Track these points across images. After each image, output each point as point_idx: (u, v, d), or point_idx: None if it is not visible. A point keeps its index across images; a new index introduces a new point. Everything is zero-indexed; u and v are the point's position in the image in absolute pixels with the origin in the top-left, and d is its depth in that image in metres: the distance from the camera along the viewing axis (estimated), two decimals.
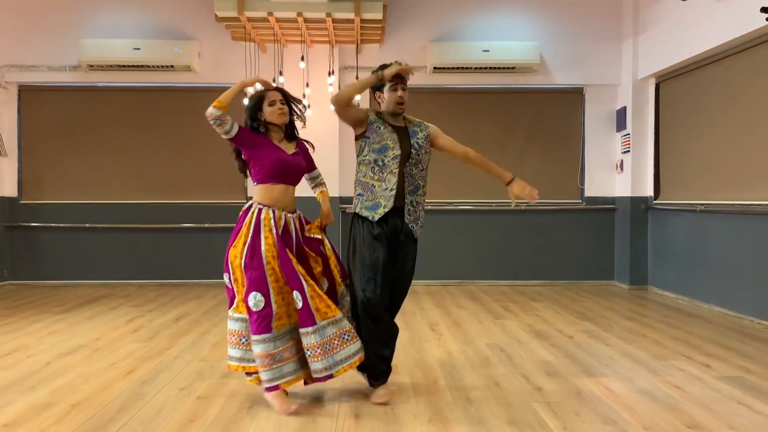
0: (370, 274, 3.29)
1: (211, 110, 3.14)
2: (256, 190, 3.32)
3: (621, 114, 7.73)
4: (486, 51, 7.40)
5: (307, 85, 7.12)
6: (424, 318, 5.76)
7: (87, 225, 7.75)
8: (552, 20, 7.75)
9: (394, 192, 3.33)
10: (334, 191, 7.49)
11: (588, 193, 7.95)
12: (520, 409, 3.27)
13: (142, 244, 7.74)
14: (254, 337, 3.17)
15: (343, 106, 3.31)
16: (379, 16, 6.43)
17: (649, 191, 7.51)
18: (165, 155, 7.59)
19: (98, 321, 5.62)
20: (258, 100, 3.35)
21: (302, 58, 6.98)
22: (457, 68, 7.55)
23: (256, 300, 3.14)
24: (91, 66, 7.49)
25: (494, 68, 7.58)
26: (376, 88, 3.41)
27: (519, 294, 7.13)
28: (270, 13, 6.30)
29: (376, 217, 3.32)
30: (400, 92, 3.37)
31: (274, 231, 3.19)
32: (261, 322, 3.14)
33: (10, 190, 7.82)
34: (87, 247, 7.78)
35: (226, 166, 7.84)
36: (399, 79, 3.36)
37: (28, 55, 7.64)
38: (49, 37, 7.62)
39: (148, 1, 7.60)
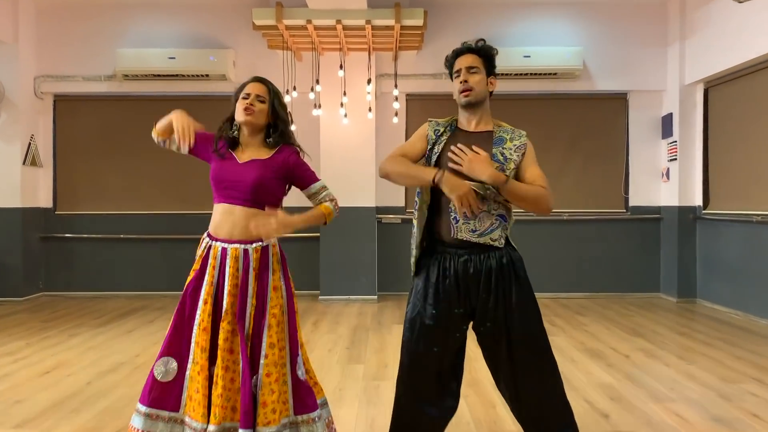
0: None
1: (152, 135, 2.76)
2: None
3: (667, 121, 7.47)
4: (527, 57, 7.19)
5: (345, 93, 6.98)
6: (470, 333, 5.57)
7: (122, 236, 7.68)
8: (595, 25, 7.52)
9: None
10: (369, 201, 7.34)
11: (633, 202, 7.70)
12: None
13: (176, 255, 7.65)
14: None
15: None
16: (420, 22, 6.27)
17: (698, 200, 7.24)
18: (200, 165, 7.42)
19: (137, 335, 5.52)
20: (237, 91, 2.71)
21: (340, 66, 6.85)
22: (497, 75, 7.31)
23: (167, 367, 2.52)
24: (126, 76, 7.43)
25: (535, 74, 7.37)
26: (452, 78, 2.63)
27: (563, 307, 6.90)
28: (309, 21, 6.18)
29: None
30: (463, 76, 2.52)
31: (215, 277, 2.53)
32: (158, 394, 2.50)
33: (45, 200, 7.78)
34: (121, 258, 7.72)
35: None
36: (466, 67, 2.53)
37: (64, 66, 7.61)
38: (85, 47, 7.59)
39: (184, 10, 7.54)
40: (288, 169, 2.61)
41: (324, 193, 2.66)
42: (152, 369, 2.50)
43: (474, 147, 2.41)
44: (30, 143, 7.47)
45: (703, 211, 7.16)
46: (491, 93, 2.58)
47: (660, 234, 7.65)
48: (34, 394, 3.83)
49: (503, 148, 2.47)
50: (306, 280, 7.56)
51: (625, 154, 7.73)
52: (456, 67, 2.56)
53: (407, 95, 7.62)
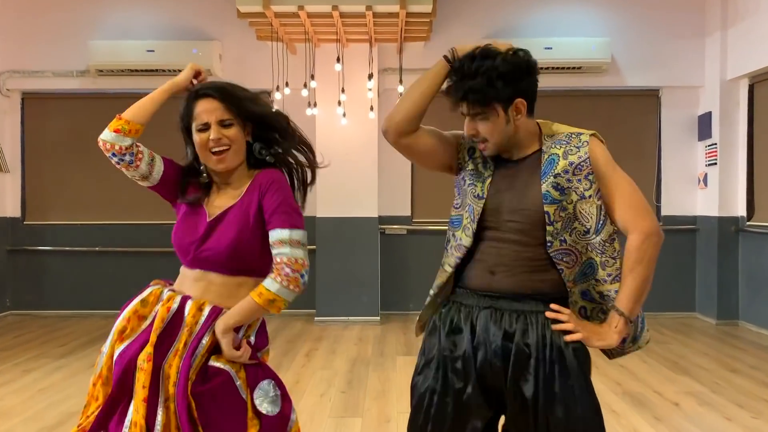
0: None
1: (108, 136, 1.86)
2: None
3: (704, 120, 6.73)
4: (548, 48, 6.50)
5: (343, 90, 6.24)
6: None
7: (97, 248, 7.01)
8: (624, 13, 6.83)
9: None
10: (372, 211, 6.63)
11: (665, 211, 7.01)
12: None
13: (158, 269, 6.88)
14: None
15: (403, 131, 1.85)
16: (428, 9, 5.52)
17: (741, 211, 6.51)
18: None
19: None
20: (186, 113, 1.89)
21: (338, 60, 6.11)
22: None
23: None
24: (101, 71, 6.76)
25: (558, 68, 6.67)
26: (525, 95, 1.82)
27: None
28: (301, 7, 5.43)
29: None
30: (469, 128, 1.85)
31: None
32: None
33: (12, 209, 7.11)
34: (98, 273, 7.03)
35: None
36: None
37: (32, 60, 6.94)
38: (55, 39, 6.92)
39: None
40: (259, 207, 1.83)
41: (283, 252, 1.77)
42: None
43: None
44: None
45: (747, 223, 6.43)
46: (531, 108, 1.80)
47: (696, 247, 6.96)
48: None
49: (555, 176, 1.73)
50: (300, 299, 6.69)
51: (657, 157, 7.05)
52: (462, 108, 1.80)
53: None
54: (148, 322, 1.81)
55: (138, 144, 1.86)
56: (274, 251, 1.78)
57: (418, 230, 6.96)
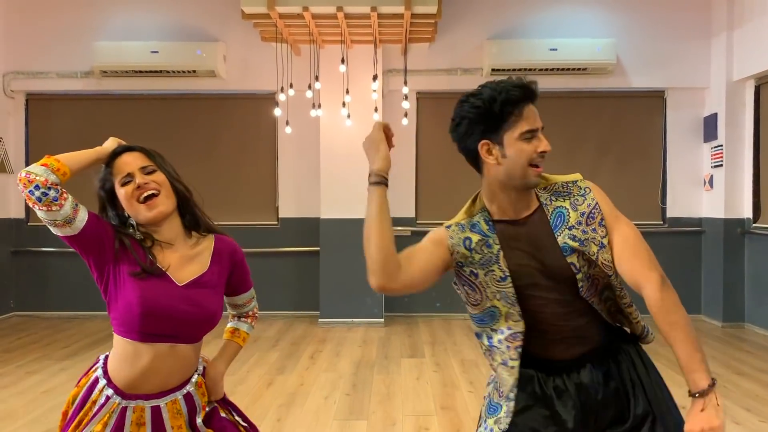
0: None
1: (35, 169, 1.63)
2: (113, 344, 1.78)
3: (710, 122, 6.69)
4: (553, 50, 6.47)
5: (347, 91, 6.21)
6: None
7: None
8: (630, 14, 6.80)
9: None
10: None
11: (670, 213, 6.97)
12: None
13: None
14: None
15: (392, 275, 1.63)
16: (433, 10, 5.49)
17: (747, 212, 6.47)
18: (187, 170, 6.63)
19: None
20: (106, 175, 1.80)
21: (342, 61, 6.08)
22: (519, 69, 6.59)
23: None
24: (105, 72, 6.75)
25: (563, 69, 6.63)
26: (487, 135, 1.63)
27: None
28: (305, 8, 5.41)
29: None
30: (543, 145, 1.64)
31: None
32: None
33: (16, 211, 7.10)
34: None
35: (256, 184, 7.04)
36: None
37: (36, 61, 6.94)
38: (59, 40, 6.91)
39: None
40: (231, 274, 1.89)
41: (251, 306, 2.02)
42: None
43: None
44: None
45: (753, 225, 6.38)
46: None
47: (701, 249, 6.91)
48: None
49: (569, 229, 1.64)
50: (304, 301, 6.87)
51: (662, 159, 7.02)
52: (527, 124, 1.61)
53: (418, 93, 6.90)
54: None
55: (63, 188, 1.64)
56: (247, 306, 2.01)
57: (422, 231, 6.91)
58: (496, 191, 1.67)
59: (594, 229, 1.63)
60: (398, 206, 6.90)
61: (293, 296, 6.95)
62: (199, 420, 1.73)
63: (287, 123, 6.29)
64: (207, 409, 1.79)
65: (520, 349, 1.66)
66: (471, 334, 6.08)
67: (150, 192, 1.72)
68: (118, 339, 1.72)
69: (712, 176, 6.73)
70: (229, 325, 2.00)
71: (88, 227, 1.67)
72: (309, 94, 6.16)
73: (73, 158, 1.67)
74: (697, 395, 1.51)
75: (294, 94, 6.26)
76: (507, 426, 1.64)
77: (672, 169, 6.96)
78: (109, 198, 1.78)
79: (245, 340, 1.97)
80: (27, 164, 6.93)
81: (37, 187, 1.58)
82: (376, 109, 6.42)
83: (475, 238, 1.67)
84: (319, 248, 6.67)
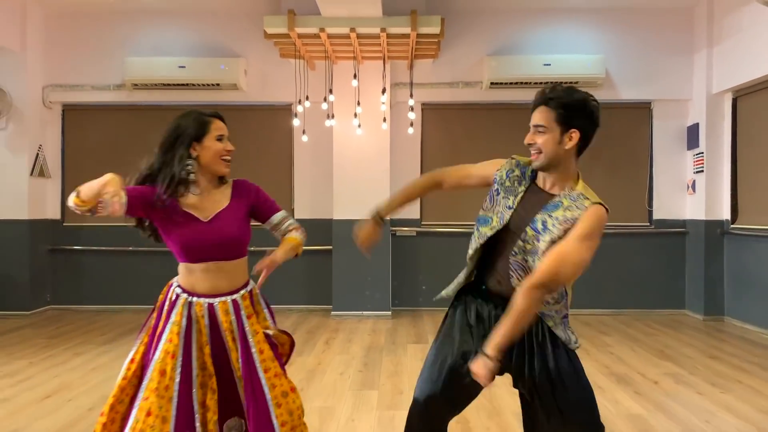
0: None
1: (72, 205, 2.16)
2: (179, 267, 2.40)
3: (693, 131, 7.21)
4: (547, 65, 6.98)
5: (359, 103, 6.78)
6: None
7: (130, 248, 7.52)
8: (617, 32, 7.30)
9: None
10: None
11: (657, 215, 7.45)
12: None
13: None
14: None
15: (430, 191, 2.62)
16: (437, 30, 6.06)
17: (726, 214, 6.97)
18: None
19: None
20: (202, 124, 2.35)
21: (354, 76, 6.65)
22: (516, 83, 7.14)
23: None
24: (136, 85, 7.30)
25: (556, 83, 7.12)
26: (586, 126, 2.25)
27: (585, 325, 6.62)
28: (322, 29, 5.99)
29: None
30: (530, 137, 2.24)
31: (182, 335, 2.26)
32: None
33: (52, 212, 7.64)
34: (130, 271, 7.56)
35: (273, 188, 7.58)
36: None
37: (72, 75, 7.49)
38: (93, 55, 7.47)
39: (194, 18, 7.39)
40: (252, 206, 2.46)
41: (288, 222, 2.53)
42: None
43: None
44: (38, 154, 7.33)
45: (732, 226, 6.88)
46: (581, 148, 2.22)
47: (685, 249, 7.39)
48: (32, 422, 3.66)
49: (550, 216, 2.15)
50: (318, 295, 7.38)
51: (649, 165, 7.49)
52: (531, 122, 2.22)
53: (423, 105, 7.42)
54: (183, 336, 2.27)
55: (99, 202, 2.11)
56: (285, 224, 2.51)
57: (426, 232, 7.46)
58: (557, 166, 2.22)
59: (558, 232, 2.10)
60: (404, 209, 7.41)
61: (307, 291, 7.49)
62: (246, 327, 2.29)
63: (303, 132, 6.86)
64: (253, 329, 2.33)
65: (483, 240, 2.25)
66: None
67: (230, 157, 2.39)
68: (180, 264, 2.36)
69: (694, 181, 7.24)
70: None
71: (130, 208, 2.23)
72: (324, 105, 6.74)
73: (88, 189, 2.11)
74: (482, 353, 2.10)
75: (310, 106, 6.82)
76: (452, 294, 2.38)
77: (658, 175, 7.45)
78: (190, 140, 2.32)
79: (299, 242, 2.46)
80: (63, 170, 7.56)
81: (84, 212, 2.15)
82: (384, 120, 6.98)
83: (518, 173, 2.29)
84: (331, 247, 7.22)
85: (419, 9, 6.36)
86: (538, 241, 2.13)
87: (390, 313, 7.15)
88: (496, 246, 2.25)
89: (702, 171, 7.07)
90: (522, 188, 2.25)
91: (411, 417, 2.30)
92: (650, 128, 7.47)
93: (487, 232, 2.26)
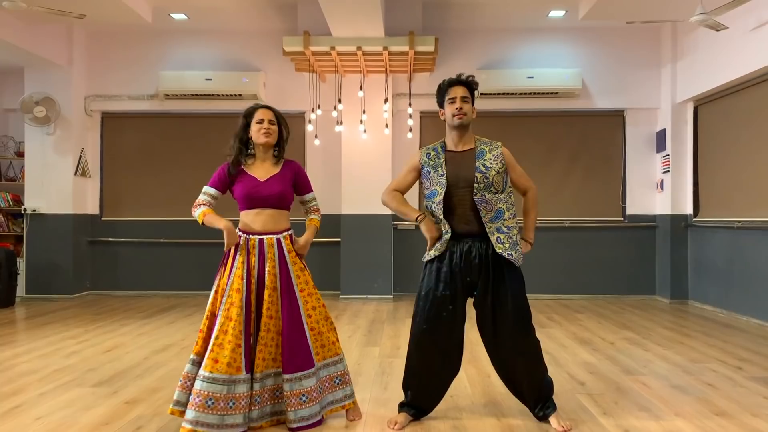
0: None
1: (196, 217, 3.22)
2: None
3: (661, 136, 8.09)
4: (530, 78, 7.87)
5: (364, 111, 7.71)
6: (473, 326, 6.19)
7: (161, 240, 8.45)
8: (593, 48, 8.20)
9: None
10: (386, 209, 8.03)
11: (630, 211, 8.31)
12: (565, 399, 3.71)
13: (209, 258, 8.39)
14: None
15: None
16: (431, 48, 7.00)
17: (689, 209, 7.84)
18: None
19: (179, 325, 6.25)
20: (248, 116, 3.29)
21: (360, 88, 7.59)
22: (503, 94, 8.04)
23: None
24: (167, 95, 8.22)
25: (538, 93, 8.05)
26: (439, 106, 3.31)
27: (563, 307, 7.52)
28: (332, 48, 6.94)
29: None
30: (458, 104, 3.18)
31: (246, 262, 3.15)
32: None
33: (92, 208, 8.59)
34: (160, 260, 8.48)
35: None
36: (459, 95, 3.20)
37: (111, 86, 8.44)
38: (130, 69, 8.42)
39: (220, 36, 8.34)
40: (295, 179, 3.36)
41: (314, 203, 3.49)
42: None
43: None
44: (80, 156, 8.29)
45: (694, 219, 7.75)
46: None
47: (655, 240, 8.25)
48: (102, 365, 4.57)
49: (484, 160, 3.19)
50: (327, 281, 8.25)
51: (623, 166, 8.35)
52: (451, 95, 3.22)
53: (421, 113, 8.33)
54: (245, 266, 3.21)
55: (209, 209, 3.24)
56: (312, 203, 3.48)
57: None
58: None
59: (497, 165, 3.19)
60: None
61: (318, 278, 8.12)
62: (287, 257, 3.22)
63: (316, 137, 7.80)
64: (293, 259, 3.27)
65: (441, 207, 3.15)
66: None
67: (269, 130, 3.24)
68: (241, 212, 3.25)
69: (662, 180, 8.11)
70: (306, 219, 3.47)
71: (219, 187, 3.29)
72: (334, 113, 7.68)
73: (209, 220, 3.18)
74: (524, 240, 3.38)
75: (321, 114, 7.76)
76: (438, 253, 3.21)
77: (631, 175, 8.31)
78: (244, 126, 3.28)
79: (318, 222, 3.43)
80: (102, 171, 8.50)
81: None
82: (386, 126, 7.91)
83: (432, 152, 3.27)
84: (340, 239, 8.14)
85: (416, 30, 7.32)
86: (487, 178, 3.14)
87: (392, 297, 8.05)
88: (452, 202, 3.18)
89: (668, 171, 7.94)
90: (441, 159, 3.23)
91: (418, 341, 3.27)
92: (623, 133, 8.35)
93: (439, 197, 3.16)
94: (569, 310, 7.25)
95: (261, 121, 3.24)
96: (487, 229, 3.15)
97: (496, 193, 3.16)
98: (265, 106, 3.34)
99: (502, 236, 3.15)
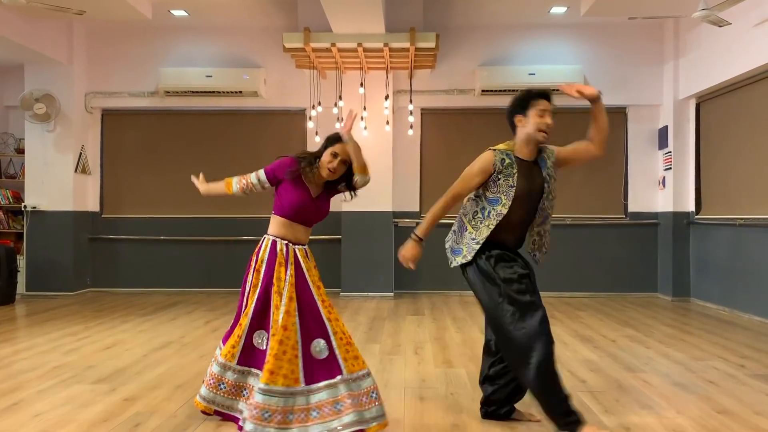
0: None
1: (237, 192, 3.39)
2: (272, 221, 3.25)
3: (663, 133, 8.06)
4: (532, 74, 7.85)
5: (365, 108, 7.69)
6: (475, 323, 6.19)
7: (162, 237, 8.44)
8: (595, 44, 8.18)
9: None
10: (387, 206, 8.04)
11: (632, 208, 8.30)
12: None
13: (210, 255, 8.39)
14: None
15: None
16: (432, 44, 6.97)
17: (691, 206, 7.82)
18: (233, 173, 8.15)
19: (179, 322, 6.24)
20: (328, 142, 3.21)
21: (361, 84, 7.57)
22: (504, 90, 8.00)
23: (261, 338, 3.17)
24: (168, 92, 8.20)
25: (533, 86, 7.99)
26: (517, 111, 3.11)
27: (565, 305, 7.49)
28: (333, 44, 6.91)
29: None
30: (549, 119, 3.06)
31: (287, 266, 3.14)
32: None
33: (92, 205, 8.59)
34: (161, 258, 8.47)
35: None
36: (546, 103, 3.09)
37: (111, 83, 8.44)
38: (131, 66, 8.42)
39: (220, 33, 8.33)
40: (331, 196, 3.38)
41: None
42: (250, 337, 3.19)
43: None
44: (81, 153, 8.28)
45: (696, 216, 7.73)
46: None
47: (657, 238, 8.24)
48: (102, 362, 4.55)
49: (548, 169, 3.13)
50: (328, 279, 8.08)
51: (625, 163, 8.34)
52: (542, 107, 3.06)
53: (422, 110, 8.32)
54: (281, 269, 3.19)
55: (248, 187, 3.34)
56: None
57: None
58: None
59: (554, 172, 3.12)
60: (405, 202, 8.30)
61: (320, 275, 8.35)
62: (305, 269, 3.17)
63: (316, 133, 7.78)
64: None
65: (504, 211, 3.04)
66: (465, 304, 7.51)
67: (332, 170, 3.15)
68: (276, 218, 3.21)
69: (664, 177, 8.09)
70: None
71: (271, 180, 3.27)
72: (334, 110, 7.66)
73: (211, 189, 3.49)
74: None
75: (322, 111, 7.74)
76: (471, 258, 3.09)
77: (633, 172, 8.31)
78: (323, 148, 3.20)
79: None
80: (102, 168, 8.50)
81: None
82: (387, 123, 7.89)
83: (506, 158, 3.06)
84: (341, 236, 8.12)
85: (417, 26, 7.29)
86: (551, 189, 3.12)
87: (392, 294, 8.04)
88: (514, 214, 3.07)
89: (670, 168, 7.92)
90: (514, 170, 3.05)
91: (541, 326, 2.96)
92: (625, 130, 8.34)
93: (502, 209, 3.05)
94: (571, 308, 7.23)
95: (335, 155, 3.15)
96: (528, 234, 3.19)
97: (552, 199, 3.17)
98: (340, 139, 3.21)
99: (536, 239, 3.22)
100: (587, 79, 8.08)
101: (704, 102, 7.63)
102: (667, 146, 7.98)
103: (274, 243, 3.19)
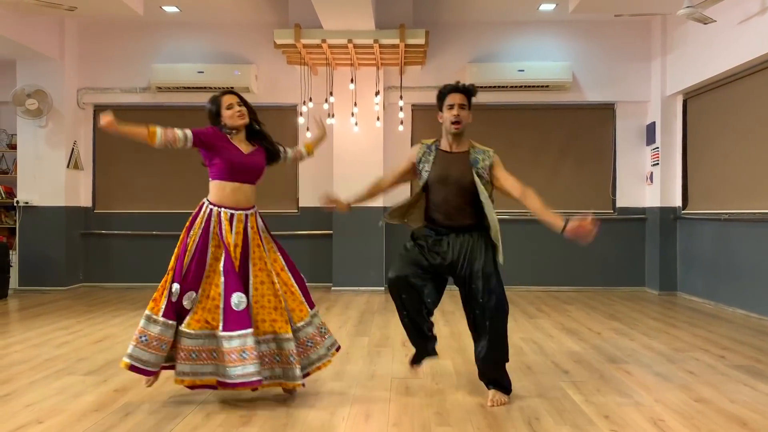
0: None
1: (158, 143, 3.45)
2: (210, 187, 3.44)
3: (650, 129, 8.15)
4: (521, 71, 7.93)
5: (355, 104, 7.75)
6: (463, 317, 6.24)
7: (154, 232, 8.48)
8: (583, 41, 8.25)
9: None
10: (378, 202, 8.07)
11: (619, 203, 8.38)
12: (548, 386, 3.78)
13: None
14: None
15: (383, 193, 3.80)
16: (422, 41, 7.03)
17: (678, 202, 7.91)
18: None
19: None
20: (215, 105, 3.44)
21: (351, 80, 7.63)
22: (494, 87, 8.08)
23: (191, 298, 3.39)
24: (160, 88, 8.25)
25: (529, 87, 8.09)
26: (439, 109, 3.47)
27: (553, 298, 7.59)
28: (323, 40, 6.97)
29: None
30: (456, 111, 3.36)
31: (221, 232, 3.34)
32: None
33: (85, 200, 8.62)
34: (152, 253, 8.48)
35: (280, 179, 8.54)
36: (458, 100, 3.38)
37: (104, 79, 8.46)
38: (123, 62, 8.44)
39: (212, 29, 8.37)
40: (270, 153, 3.66)
41: (295, 148, 4.02)
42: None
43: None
44: (73, 149, 8.31)
45: (683, 212, 7.82)
46: None
47: (645, 233, 8.33)
48: (93, 355, 4.62)
49: (479, 168, 3.38)
50: (320, 274, 8.30)
51: (613, 159, 8.42)
52: (449, 102, 3.38)
53: (412, 106, 8.38)
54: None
55: (173, 141, 3.41)
56: (289, 152, 3.90)
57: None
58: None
59: (487, 175, 3.39)
60: (396, 197, 8.30)
61: (310, 271, 8.32)
62: (250, 234, 3.42)
63: (307, 129, 7.83)
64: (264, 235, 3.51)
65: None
66: (453, 297, 7.57)
67: (240, 112, 3.42)
68: (213, 183, 3.41)
69: (652, 173, 8.18)
70: (302, 150, 4.04)
71: (196, 140, 3.38)
72: (325, 106, 7.71)
73: (127, 131, 3.52)
74: (566, 222, 3.11)
75: (313, 106, 7.79)
76: (411, 247, 3.47)
77: (621, 168, 8.38)
78: (216, 112, 3.45)
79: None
80: (94, 163, 8.53)
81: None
82: (378, 119, 7.95)
83: (427, 150, 3.49)
84: (332, 231, 8.18)
85: (407, 23, 7.34)
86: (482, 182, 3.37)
87: (383, 288, 8.11)
88: (436, 196, 3.40)
89: (658, 164, 8.01)
90: (431, 157, 3.46)
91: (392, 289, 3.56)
92: (613, 126, 8.42)
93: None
94: (559, 302, 7.32)
95: (230, 106, 3.40)
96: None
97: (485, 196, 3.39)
98: (231, 91, 3.52)
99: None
100: (576, 75, 8.16)
101: (691, 98, 7.72)
102: (654, 142, 8.07)
103: (215, 212, 3.39)
